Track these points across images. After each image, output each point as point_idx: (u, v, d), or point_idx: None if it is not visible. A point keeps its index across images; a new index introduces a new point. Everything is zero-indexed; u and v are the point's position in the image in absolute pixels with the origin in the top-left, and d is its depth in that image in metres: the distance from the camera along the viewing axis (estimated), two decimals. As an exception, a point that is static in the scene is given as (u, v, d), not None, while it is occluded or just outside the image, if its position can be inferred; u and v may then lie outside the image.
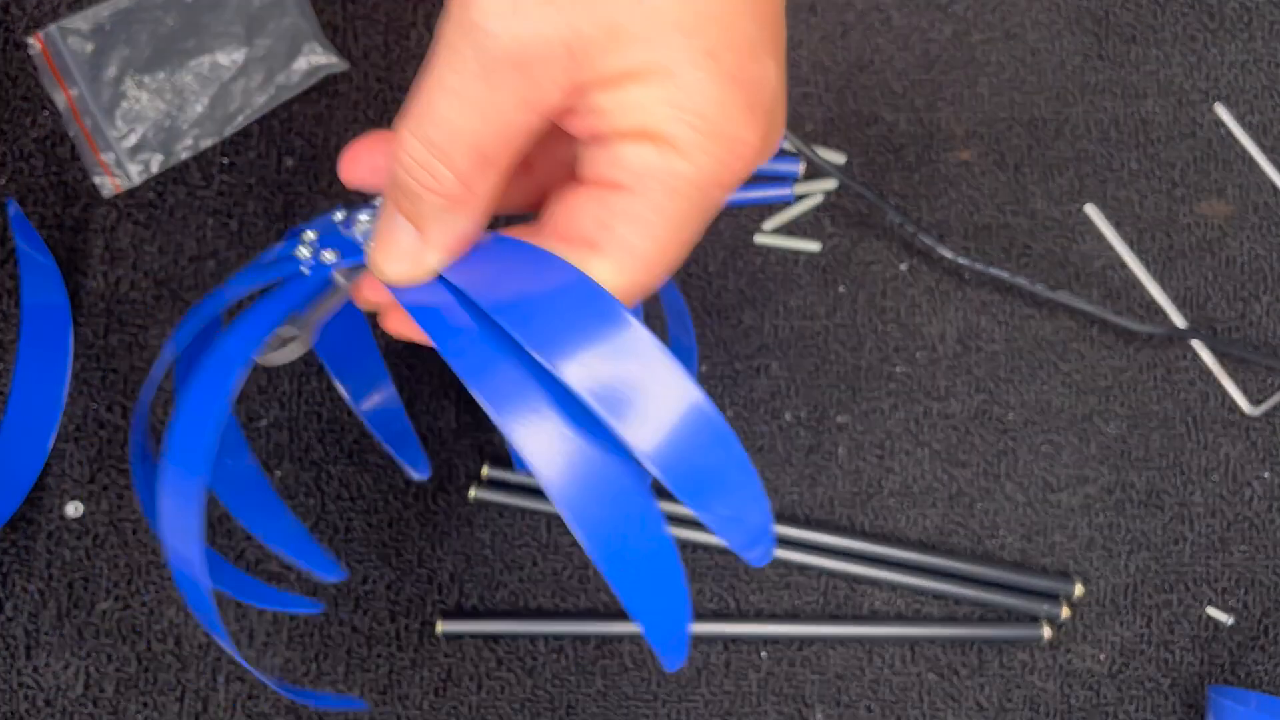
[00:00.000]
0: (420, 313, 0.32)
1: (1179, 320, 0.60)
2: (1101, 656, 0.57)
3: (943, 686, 0.56)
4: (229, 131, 0.58)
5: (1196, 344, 0.59)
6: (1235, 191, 0.61)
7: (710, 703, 0.56)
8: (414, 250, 0.33)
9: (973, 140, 0.61)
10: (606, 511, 0.30)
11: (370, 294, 0.36)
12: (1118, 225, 0.60)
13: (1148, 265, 0.60)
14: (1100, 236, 0.60)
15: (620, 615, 0.56)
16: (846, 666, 0.56)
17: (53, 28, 0.58)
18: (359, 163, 0.36)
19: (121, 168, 0.58)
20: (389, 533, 0.56)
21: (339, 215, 0.37)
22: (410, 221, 0.32)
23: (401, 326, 0.36)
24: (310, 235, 0.37)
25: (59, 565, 0.55)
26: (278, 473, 0.56)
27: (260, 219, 0.58)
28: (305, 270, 0.36)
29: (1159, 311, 0.60)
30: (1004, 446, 0.58)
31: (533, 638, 0.56)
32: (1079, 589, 0.57)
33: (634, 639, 0.56)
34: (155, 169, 0.58)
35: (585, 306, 0.30)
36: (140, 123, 0.58)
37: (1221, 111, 0.61)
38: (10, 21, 0.59)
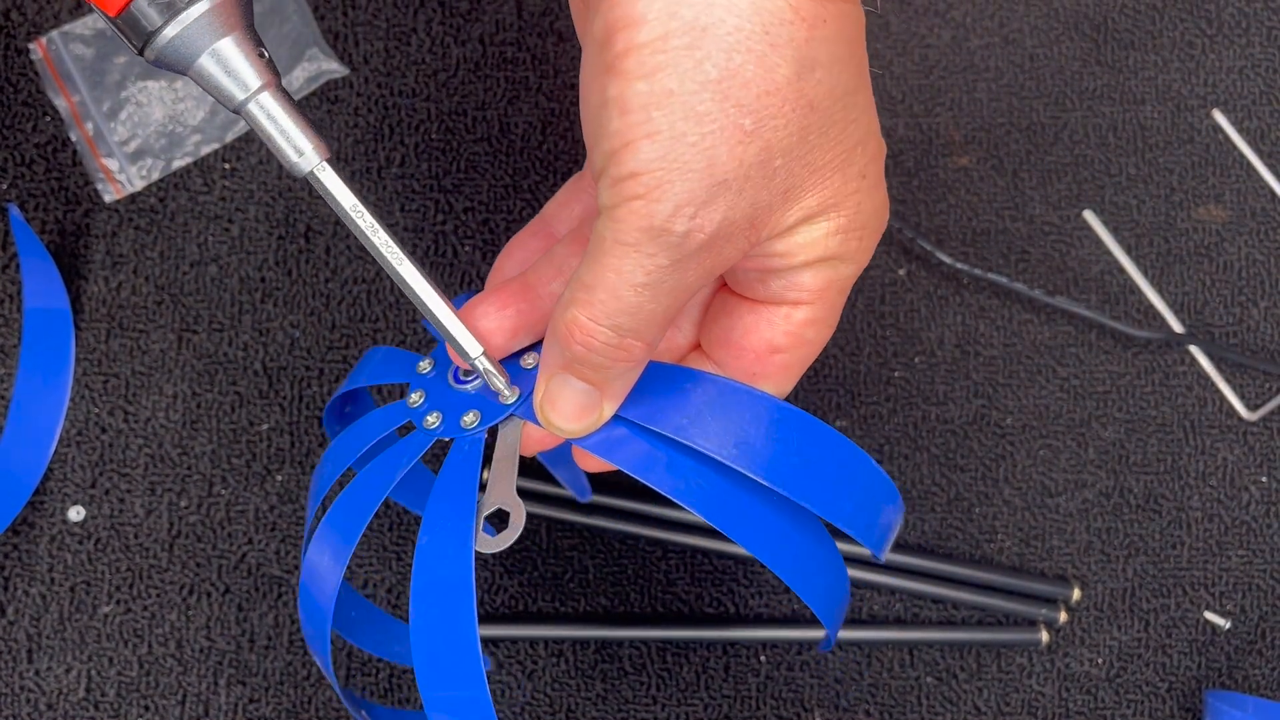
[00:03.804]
0: (603, 448, 0.35)
1: (1177, 325, 0.60)
2: (1099, 660, 0.57)
3: (941, 690, 0.56)
4: (230, 137, 0.59)
5: (1194, 349, 0.59)
6: (1233, 197, 0.61)
7: (710, 706, 0.56)
8: (593, 406, 0.35)
9: (971, 145, 0.61)
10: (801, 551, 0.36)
11: (535, 444, 0.38)
12: (1115, 230, 0.61)
13: (1145, 270, 0.60)
14: (1098, 241, 0.60)
15: (619, 619, 0.56)
16: (845, 670, 0.56)
17: (54, 34, 0.58)
18: (477, 326, 0.37)
19: (123, 173, 0.58)
20: (389, 536, 0.57)
21: (425, 365, 0.38)
22: (591, 385, 0.35)
23: (590, 464, 0.39)
24: (416, 398, 0.38)
25: (61, 569, 0.55)
26: (279, 477, 0.56)
27: (261, 225, 0.58)
28: (446, 439, 0.37)
29: (1157, 316, 0.60)
30: (1002, 451, 0.58)
31: (532, 641, 0.56)
32: (1076, 593, 0.57)
33: (634, 643, 0.56)
34: (157, 175, 0.58)
35: (753, 410, 0.35)
36: (142, 128, 0.58)
37: (1219, 117, 0.62)
38: (11, 27, 0.59)
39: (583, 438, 0.36)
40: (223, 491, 0.56)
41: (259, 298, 0.58)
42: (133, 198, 0.58)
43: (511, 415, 0.37)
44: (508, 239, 0.59)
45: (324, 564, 0.37)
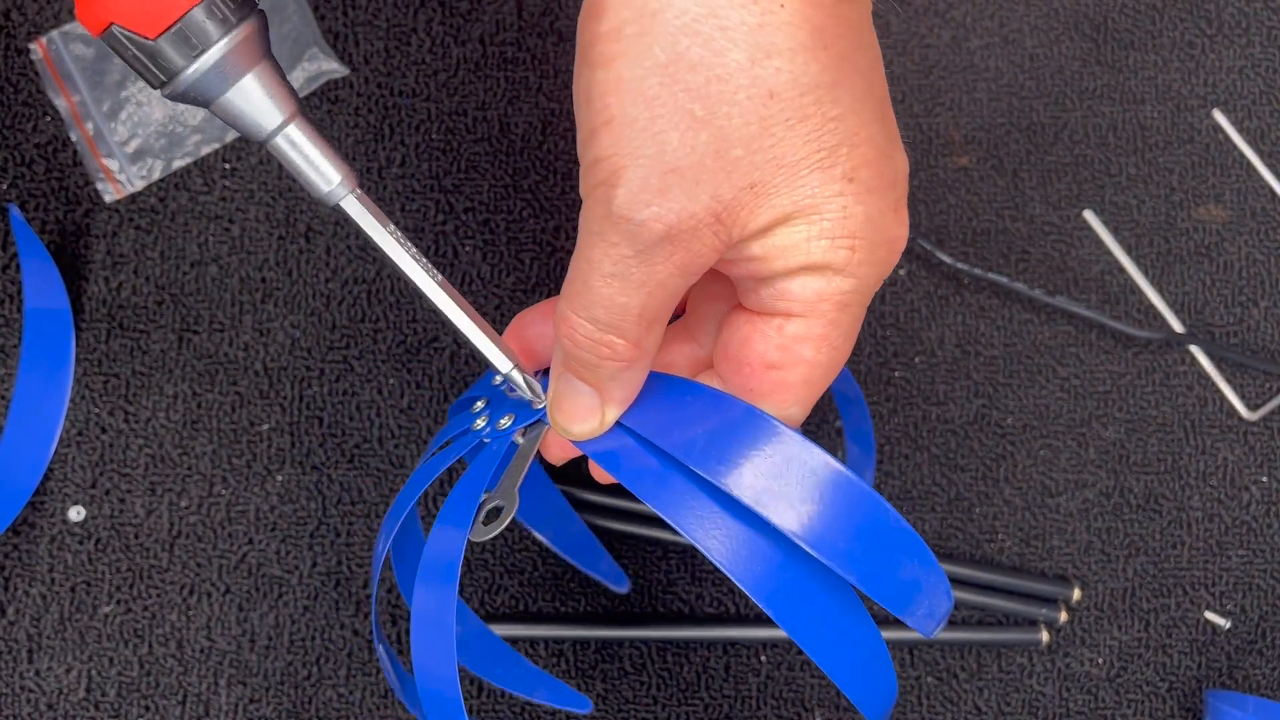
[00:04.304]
0: (606, 460, 0.35)
1: (1177, 325, 0.60)
2: (1099, 660, 0.57)
3: (941, 690, 0.56)
4: (230, 137, 0.59)
5: (1194, 349, 0.60)
6: (1233, 196, 0.61)
7: (710, 706, 0.56)
8: (594, 409, 0.35)
9: (971, 146, 0.61)
10: (818, 617, 0.34)
11: (559, 451, 0.39)
12: (1116, 230, 0.61)
13: (1146, 270, 0.60)
14: (1098, 241, 0.60)
15: (619, 619, 0.56)
16: (845, 670, 0.56)
17: (55, 34, 0.58)
18: (525, 334, 0.39)
19: (123, 173, 0.58)
20: (390, 537, 0.57)
21: (498, 379, 0.40)
22: (588, 385, 0.35)
23: (601, 475, 0.39)
24: (480, 404, 0.40)
25: (61, 569, 0.55)
26: (279, 477, 0.56)
27: (262, 225, 0.58)
28: (486, 440, 0.38)
29: (1157, 316, 0.60)
30: (1002, 451, 0.58)
31: (533, 641, 0.56)
32: (1077, 593, 0.57)
33: (634, 643, 0.56)
34: (157, 175, 0.58)
35: (750, 432, 0.33)
36: (142, 128, 0.58)
37: (1219, 117, 0.62)
38: (11, 27, 0.59)
39: (589, 443, 0.36)
40: (223, 491, 0.56)
41: (259, 298, 0.58)
42: (133, 198, 0.58)
43: (539, 420, 0.38)
44: (508, 239, 0.59)
45: (383, 530, 0.40)
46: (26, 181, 0.58)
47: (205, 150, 0.58)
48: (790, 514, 0.32)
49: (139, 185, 0.58)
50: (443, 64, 0.60)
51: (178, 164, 0.58)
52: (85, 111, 0.58)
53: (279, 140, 0.33)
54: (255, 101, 0.33)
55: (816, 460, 0.33)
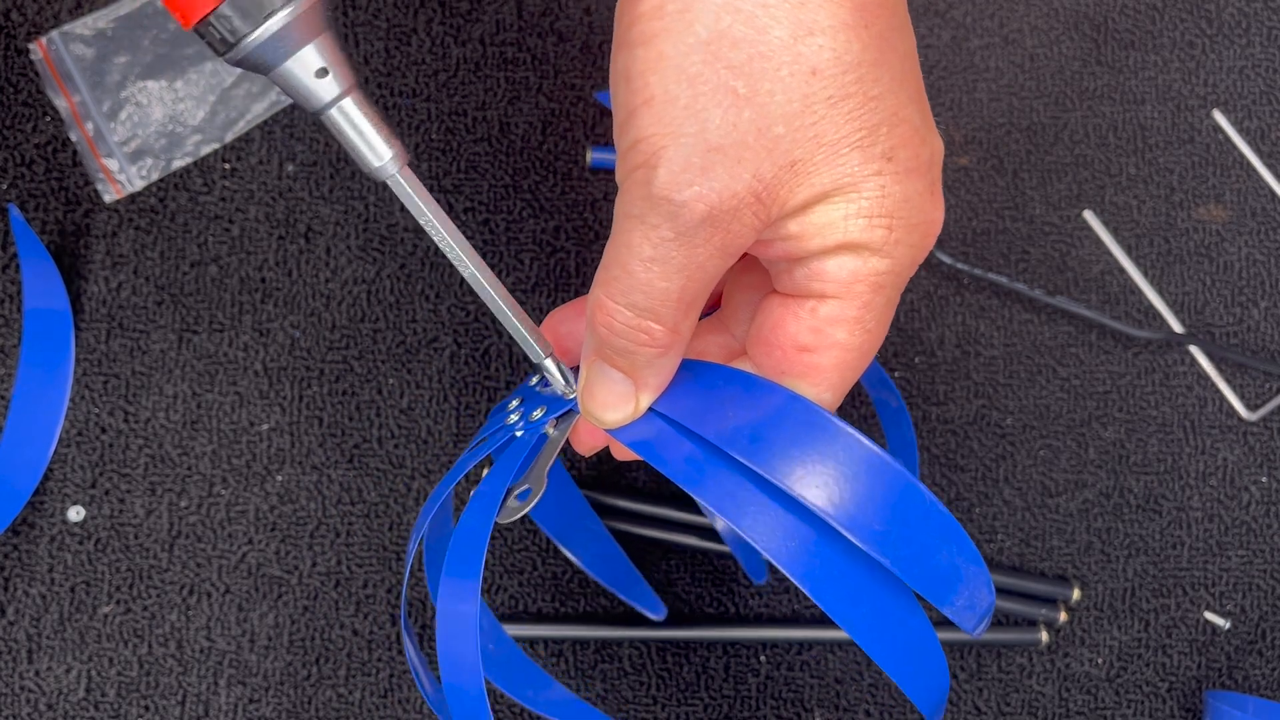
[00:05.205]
0: (640, 447, 0.35)
1: (1177, 325, 0.60)
2: (1099, 660, 0.57)
3: (941, 690, 0.56)
4: (230, 137, 0.59)
5: (1194, 349, 0.60)
6: (1233, 197, 0.61)
7: (710, 706, 0.56)
8: (627, 396, 0.35)
9: (971, 146, 0.61)
10: (847, 590, 0.33)
11: (589, 439, 0.39)
12: (1116, 230, 0.61)
13: (1145, 270, 0.60)
14: (1098, 241, 0.60)
15: (619, 619, 0.56)
16: (845, 671, 0.56)
17: (55, 34, 0.58)
18: (557, 331, 0.39)
19: (123, 173, 0.58)
20: (389, 536, 0.57)
21: (534, 380, 0.41)
22: (623, 373, 0.34)
23: (625, 454, 0.39)
24: (515, 403, 0.40)
25: (61, 569, 0.55)
26: (279, 477, 0.56)
27: (262, 225, 0.58)
28: (519, 432, 0.39)
29: (1157, 317, 0.60)
30: (1002, 451, 0.58)
31: (532, 641, 0.56)
32: (1077, 593, 0.57)
33: (634, 643, 0.56)
34: (157, 175, 0.58)
35: (784, 414, 0.33)
36: (142, 129, 0.58)
37: (1219, 117, 0.62)
38: (11, 27, 0.59)
39: (622, 431, 0.36)
40: (223, 491, 0.56)
41: (259, 298, 0.58)
42: (133, 198, 0.58)
43: (569, 410, 0.38)
44: (508, 239, 0.59)
45: (416, 527, 0.41)
46: (26, 181, 0.58)
47: (205, 150, 0.58)
48: (823, 493, 0.32)
49: (139, 185, 0.58)
50: (443, 64, 0.60)
51: (177, 164, 0.58)
52: (85, 111, 0.58)
53: (333, 112, 0.34)
54: (315, 72, 0.33)
55: (850, 440, 0.32)
